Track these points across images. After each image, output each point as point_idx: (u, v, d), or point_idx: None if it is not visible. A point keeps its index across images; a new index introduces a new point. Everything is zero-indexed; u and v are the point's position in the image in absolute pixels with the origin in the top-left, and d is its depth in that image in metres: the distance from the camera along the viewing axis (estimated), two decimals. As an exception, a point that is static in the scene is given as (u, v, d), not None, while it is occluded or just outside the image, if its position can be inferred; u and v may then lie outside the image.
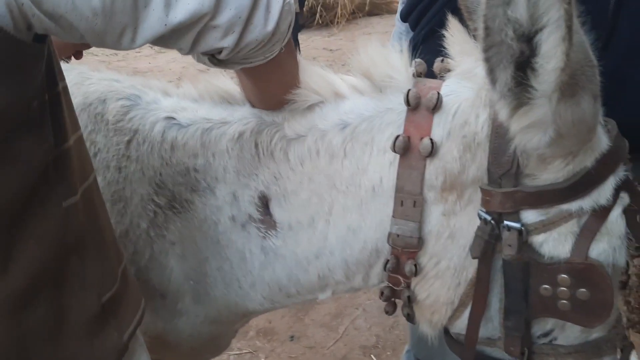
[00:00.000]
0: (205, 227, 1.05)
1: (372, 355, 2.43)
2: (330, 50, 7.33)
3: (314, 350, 2.48)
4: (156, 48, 7.80)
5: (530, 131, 0.75)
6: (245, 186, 1.01)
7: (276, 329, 2.62)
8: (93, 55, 7.24)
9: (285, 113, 0.99)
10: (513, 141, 0.78)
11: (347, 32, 8.28)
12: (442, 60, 0.94)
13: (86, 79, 1.12)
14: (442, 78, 0.92)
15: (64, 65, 1.19)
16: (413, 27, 1.45)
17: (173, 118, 1.05)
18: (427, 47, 1.29)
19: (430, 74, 0.95)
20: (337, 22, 8.51)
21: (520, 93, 0.72)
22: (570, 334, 0.90)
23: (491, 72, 0.71)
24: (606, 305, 0.83)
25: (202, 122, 1.03)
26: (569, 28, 0.62)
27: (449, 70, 0.92)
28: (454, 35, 0.92)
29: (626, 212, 0.83)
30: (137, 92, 1.09)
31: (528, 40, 0.67)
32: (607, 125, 0.84)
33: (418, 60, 0.95)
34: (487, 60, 0.70)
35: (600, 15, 0.93)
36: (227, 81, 1.08)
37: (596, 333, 0.90)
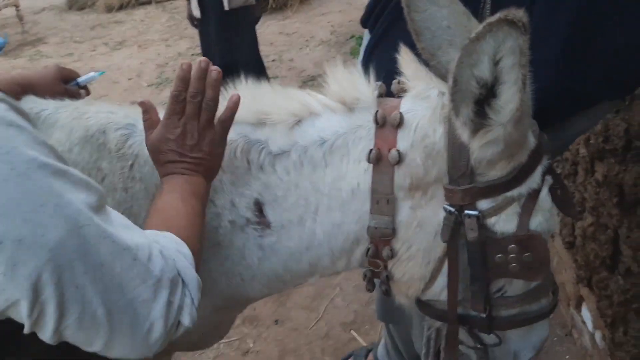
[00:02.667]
0: (207, 233, 1.20)
1: (352, 331, 2.61)
2: (287, 34, 7.37)
3: (297, 332, 2.64)
4: (111, 45, 7.77)
5: (487, 147, 0.95)
6: (242, 195, 1.17)
7: (261, 315, 2.76)
8: (47, 57, 7.14)
9: (267, 131, 1.14)
10: (471, 153, 0.98)
11: (302, 14, 8.30)
12: (399, 82, 1.11)
13: (83, 113, 1.25)
14: (399, 97, 1.10)
15: (59, 102, 1.32)
16: (371, 31, 1.61)
17: None
18: (381, 47, 1.47)
19: (389, 90, 1.13)
20: (291, 5, 8.54)
21: (478, 121, 0.92)
22: (516, 287, 1.13)
23: (455, 108, 0.91)
24: (545, 263, 1.07)
25: None
26: (524, 84, 0.84)
27: (404, 90, 1.10)
28: (407, 61, 1.10)
29: (550, 190, 1.07)
30: (132, 121, 1.23)
31: (488, 87, 0.88)
32: (533, 127, 1.05)
33: (379, 82, 1.12)
34: (453, 100, 0.89)
35: None
36: None
37: (534, 283, 1.12)
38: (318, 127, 1.11)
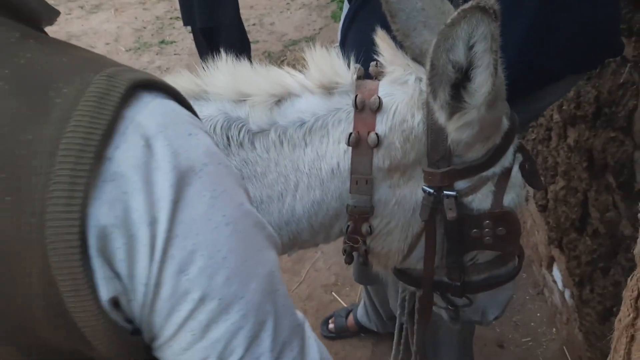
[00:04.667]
0: None
1: (332, 292, 2.70)
2: (251, 7, 7.16)
3: (280, 294, 2.72)
4: (87, 8, 7.56)
5: (462, 129, 1.00)
6: None
7: (244, 278, 2.83)
8: (21, 20, 6.93)
9: (247, 108, 1.15)
10: (448, 136, 1.02)
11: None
12: (376, 65, 1.14)
13: None
14: (377, 79, 1.13)
15: None
16: (350, 0, 1.62)
17: None
18: (362, 16, 1.48)
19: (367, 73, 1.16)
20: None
21: (455, 104, 0.96)
22: (487, 254, 1.20)
23: (433, 92, 0.95)
24: (516, 235, 1.16)
25: None
26: (496, 68, 0.89)
27: (382, 74, 1.13)
28: (384, 44, 1.12)
29: (521, 166, 1.13)
30: None
31: (463, 71, 0.92)
32: (506, 110, 1.10)
33: (357, 65, 1.14)
34: (431, 84, 0.93)
35: None
36: (189, 79, 1.21)
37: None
38: (297, 108, 1.13)
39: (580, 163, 1.96)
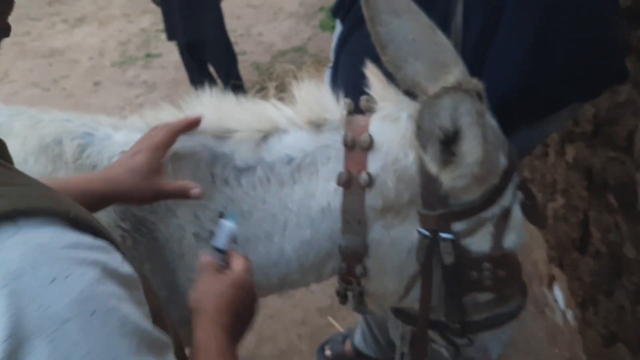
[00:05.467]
0: (171, 244, 1.16)
1: (328, 316, 2.62)
2: (254, 6, 7.15)
3: (273, 319, 2.62)
4: (70, 22, 7.45)
5: (456, 180, 0.95)
6: (205, 207, 1.12)
7: (236, 303, 2.75)
8: (3, 37, 6.82)
9: (233, 144, 1.09)
10: (442, 184, 0.97)
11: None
12: (367, 99, 1.08)
13: (38, 122, 1.17)
14: (368, 114, 1.07)
15: (13, 109, 1.24)
16: (342, 21, 1.56)
17: None
18: (354, 39, 1.42)
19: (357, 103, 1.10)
20: (257, -25, 8.21)
21: (446, 157, 0.92)
22: (488, 294, 1.13)
23: (422, 146, 0.90)
24: (517, 277, 1.11)
25: None
26: (484, 137, 0.85)
27: (373, 110, 1.07)
28: (374, 78, 1.07)
29: (521, 204, 1.08)
30: (89, 129, 1.16)
31: (451, 134, 0.88)
32: (503, 147, 1.04)
33: (347, 100, 1.08)
34: (419, 140, 0.89)
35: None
36: (171, 112, 1.16)
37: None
38: (285, 144, 1.08)
39: (579, 181, 1.90)
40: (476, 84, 0.83)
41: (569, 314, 2.17)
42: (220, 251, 0.94)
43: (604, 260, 1.81)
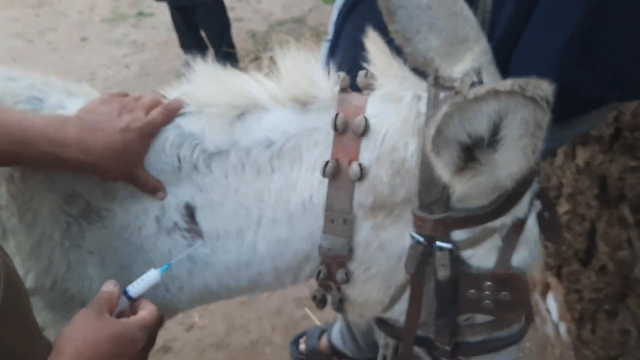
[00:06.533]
0: (128, 234, 1.00)
1: (305, 308, 2.48)
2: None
3: (247, 306, 2.47)
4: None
5: (473, 188, 0.78)
6: (172, 194, 0.96)
7: (209, 286, 2.60)
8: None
9: (203, 122, 0.92)
10: (450, 189, 0.79)
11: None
12: (366, 75, 0.90)
13: None
14: (366, 93, 0.90)
15: None
16: None
17: None
18: (360, 11, 1.24)
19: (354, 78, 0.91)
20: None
21: (464, 164, 0.75)
22: (486, 315, 0.97)
23: (435, 150, 0.72)
24: (524, 303, 0.93)
25: None
26: (534, 152, 0.68)
27: (372, 87, 0.89)
28: (377, 52, 0.89)
29: (539, 216, 0.91)
30: (38, 93, 0.97)
31: (483, 142, 0.71)
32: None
33: (342, 74, 0.90)
34: (434, 144, 0.71)
35: None
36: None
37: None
38: (265, 125, 0.90)
39: (590, 189, 1.74)
40: (546, 89, 0.64)
41: (562, 327, 2.03)
42: (129, 298, 0.85)
43: (609, 278, 1.66)
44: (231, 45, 4.37)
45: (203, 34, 4.35)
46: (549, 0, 0.92)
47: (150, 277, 0.87)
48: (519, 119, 0.65)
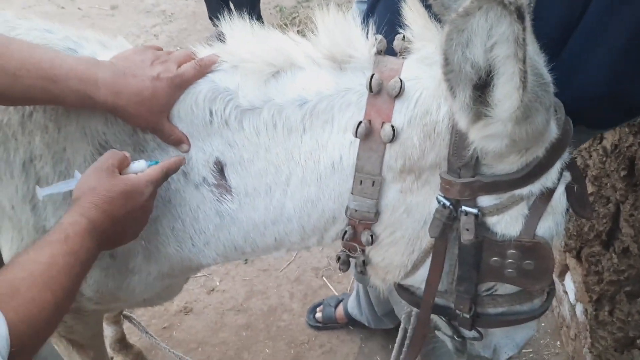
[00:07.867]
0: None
1: (323, 277, 2.51)
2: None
3: (267, 273, 2.53)
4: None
5: (488, 139, 0.77)
6: (200, 149, 0.98)
7: (230, 252, 2.64)
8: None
9: (238, 78, 0.93)
10: (472, 143, 0.79)
11: None
12: (403, 38, 0.90)
13: (13, 28, 1.02)
14: (402, 57, 0.89)
15: None
16: None
17: None
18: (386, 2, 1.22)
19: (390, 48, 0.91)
20: None
21: (478, 109, 0.74)
22: (508, 286, 0.98)
23: (451, 89, 0.72)
24: (547, 273, 0.92)
25: None
26: (523, 81, 0.65)
27: (409, 51, 0.89)
28: (415, 16, 0.88)
29: (567, 188, 0.90)
30: (72, 44, 1.00)
31: (484, 74, 0.70)
32: (557, 113, 0.86)
33: (379, 36, 0.90)
34: (447, 81, 0.71)
35: None
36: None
37: None
38: (299, 84, 0.91)
39: (617, 170, 1.72)
40: None
41: (579, 308, 2.03)
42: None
43: (632, 260, 1.65)
44: (259, 19, 4.35)
45: (232, 6, 4.34)
46: (599, 11, 0.90)
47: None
48: (502, 35, 0.63)
